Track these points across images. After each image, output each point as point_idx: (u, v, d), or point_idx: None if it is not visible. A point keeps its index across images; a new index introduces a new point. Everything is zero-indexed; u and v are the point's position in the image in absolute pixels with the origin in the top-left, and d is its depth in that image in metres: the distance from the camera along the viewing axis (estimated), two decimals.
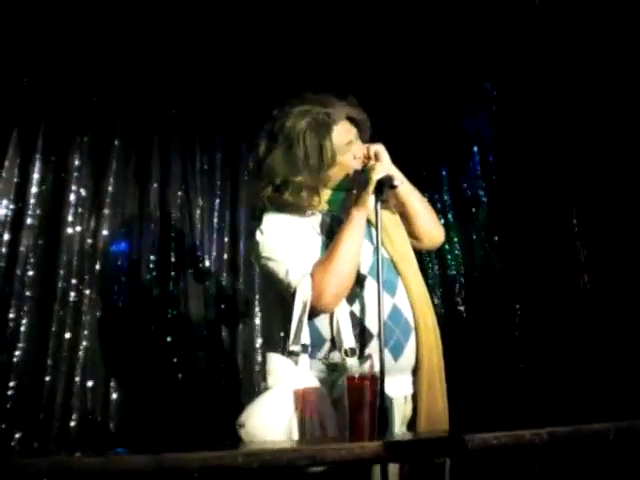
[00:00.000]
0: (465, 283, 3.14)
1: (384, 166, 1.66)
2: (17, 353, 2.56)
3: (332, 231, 1.68)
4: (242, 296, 3.09)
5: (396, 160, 1.77)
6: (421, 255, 3.07)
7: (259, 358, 3.00)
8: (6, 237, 2.65)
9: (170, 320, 2.91)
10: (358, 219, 1.62)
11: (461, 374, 2.29)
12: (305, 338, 1.54)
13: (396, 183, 1.59)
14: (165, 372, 2.79)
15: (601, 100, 2.65)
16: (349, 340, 1.56)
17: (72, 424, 2.58)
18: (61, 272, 2.71)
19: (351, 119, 1.75)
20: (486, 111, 3.17)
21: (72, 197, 2.81)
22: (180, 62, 3.01)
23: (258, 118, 1.82)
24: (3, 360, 2.52)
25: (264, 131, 1.73)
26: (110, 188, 2.90)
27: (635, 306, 2.42)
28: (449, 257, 3.20)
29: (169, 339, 2.85)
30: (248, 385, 2.94)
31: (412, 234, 1.84)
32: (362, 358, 1.55)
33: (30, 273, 2.65)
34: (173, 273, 2.97)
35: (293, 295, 1.56)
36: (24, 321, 2.60)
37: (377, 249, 1.51)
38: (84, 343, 2.70)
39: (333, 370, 1.53)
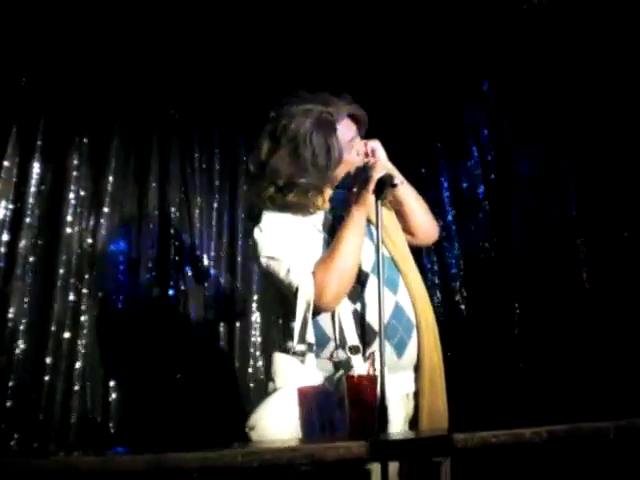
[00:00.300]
0: (465, 282, 3.14)
1: (384, 164, 1.66)
2: (16, 353, 2.55)
3: (334, 229, 1.67)
4: (240, 295, 3.10)
5: (395, 158, 1.77)
6: (421, 255, 3.09)
7: (257, 357, 3.00)
8: (5, 237, 2.64)
9: (169, 319, 2.90)
10: (358, 217, 1.62)
11: (460, 373, 2.29)
12: (310, 337, 1.53)
13: (396, 182, 1.58)
14: (164, 372, 2.79)
15: (600, 98, 2.66)
16: (352, 338, 1.56)
17: (71, 424, 2.58)
18: (60, 272, 2.70)
19: (351, 116, 1.74)
20: (485, 110, 3.17)
21: (71, 197, 2.80)
22: (179, 62, 3.01)
23: (257, 118, 1.81)
24: (2, 360, 2.52)
25: (265, 132, 1.70)
26: (109, 188, 2.90)
27: (635, 304, 2.42)
28: (449, 257, 3.20)
29: (168, 339, 2.85)
30: (246, 384, 2.95)
31: (407, 230, 1.84)
32: (366, 356, 1.54)
33: (29, 273, 2.65)
34: (172, 272, 2.97)
35: (294, 294, 1.55)
36: (23, 321, 2.59)
37: (378, 247, 1.51)
38: (83, 343, 2.70)
39: (339, 368, 1.53)
